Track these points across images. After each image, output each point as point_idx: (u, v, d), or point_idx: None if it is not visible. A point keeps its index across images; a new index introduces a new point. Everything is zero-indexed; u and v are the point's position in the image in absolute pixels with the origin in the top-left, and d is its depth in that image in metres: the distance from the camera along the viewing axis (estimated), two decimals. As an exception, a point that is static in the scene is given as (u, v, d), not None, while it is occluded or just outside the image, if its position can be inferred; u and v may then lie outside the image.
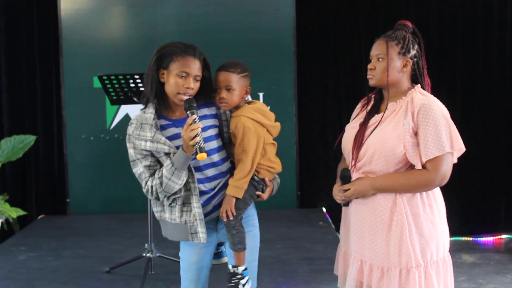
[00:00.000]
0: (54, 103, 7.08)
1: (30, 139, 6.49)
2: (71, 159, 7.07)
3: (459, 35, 6.86)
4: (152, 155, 2.92)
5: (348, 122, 3.18)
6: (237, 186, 2.96)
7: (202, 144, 2.75)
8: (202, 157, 2.74)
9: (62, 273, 5.03)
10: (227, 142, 3.09)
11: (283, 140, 6.92)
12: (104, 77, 4.76)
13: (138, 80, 4.72)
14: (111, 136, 6.95)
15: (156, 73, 2.91)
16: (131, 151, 2.93)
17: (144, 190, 2.94)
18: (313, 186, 7.22)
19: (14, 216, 6.12)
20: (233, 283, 3.01)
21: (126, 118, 6.94)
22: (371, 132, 2.88)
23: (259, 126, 3.04)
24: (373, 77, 2.92)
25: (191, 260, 3.12)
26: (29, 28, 7.01)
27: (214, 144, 2.98)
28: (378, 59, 2.90)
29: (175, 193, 2.93)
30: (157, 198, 2.94)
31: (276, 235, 6.00)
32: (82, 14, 6.97)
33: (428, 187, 2.80)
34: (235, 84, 3.02)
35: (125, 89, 4.81)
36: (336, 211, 6.96)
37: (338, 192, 2.94)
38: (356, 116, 3.10)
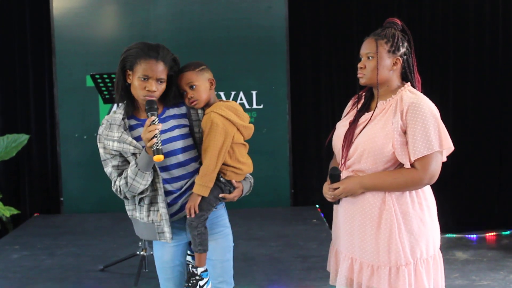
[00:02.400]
0: (47, 102, 7.08)
1: (23, 138, 6.48)
2: (65, 158, 7.06)
3: (451, 33, 6.89)
4: (121, 155, 2.95)
5: (340, 119, 3.19)
6: (202, 184, 2.93)
7: (159, 146, 2.76)
8: (158, 158, 2.75)
9: (56, 272, 5.02)
10: (199, 142, 3.05)
11: (276, 138, 7.03)
12: (97, 76, 4.76)
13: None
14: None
15: (122, 74, 2.93)
16: (101, 151, 2.98)
17: (114, 190, 2.98)
18: (307, 184, 7.23)
19: (7, 215, 6.13)
20: (191, 283, 3.02)
21: (120, 117, 6.93)
22: (361, 130, 2.88)
23: (229, 123, 3.00)
24: (364, 76, 2.92)
25: (163, 259, 3.15)
26: (21, 27, 6.99)
27: (179, 144, 2.97)
28: (368, 57, 2.90)
29: (142, 193, 2.95)
30: (126, 198, 3.00)
31: (269, 233, 6.01)
32: (74, 13, 6.96)
33: (416, 186, 2.80)
34: (195, 80, 3.01)
35: (118, 88, 4.81)
36: (329, 209, 6.96)
37: (327, 191, 2.94)
38: (347, 114, 3.10)
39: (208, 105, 3.07)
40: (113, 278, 4.84)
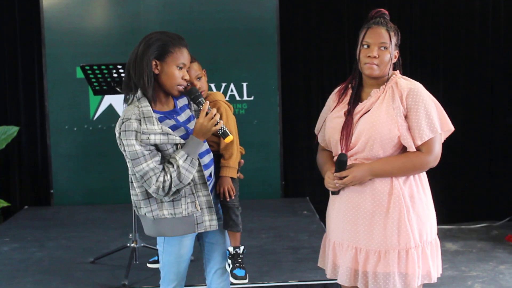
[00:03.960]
0: (37, 94, 7.04)
1: (13, 130, 6.46)
2: (55, 150, 7.03)
3: (442, 28, 6.90)
4: (157, 149, 2.86)
5: (324, 113, 3.18)
6: (231, 167, 3.10)
7: (225, 127, 2.88)
8: (230, 139, 2.88)
9: (46, 264, 5.01)
10: None
11: (267, 130, 7.03)
12: (87, 67, 4.73)
13: (121, 70, 4.70)
14: (94, 126, 6.92)
15: (150, 65, 2.86)
16: (137, 148, 2.78)
17: (155, 187, 2.81)
18: (297, 175, 7.24)
19: (-3, 207, 6.10)
20: (238, 263, 3.14)
21: (110, 109, 6.91)
22: (358, 119, 2.88)
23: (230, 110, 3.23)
24: (377, 67, 2.85)
25: (179, 253, 3.10)
26: (11, 18, 6.95)
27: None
28: (382, 48, 2.85)
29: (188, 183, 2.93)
30: (167, 194, 2.86)
31: (260, 225, 6.02)
32: (64, 4, 6.92)
33: (423, 169, 2.87)
34: (200, 71, 3.17)
35: (108, 79, 4.79)
36: (320, 201, 7.00)
37: (331, 180, 2.90)
38: (335, 107, 3.06)
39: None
40: (104, 270, 4.83)
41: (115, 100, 6.84)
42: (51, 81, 6.95)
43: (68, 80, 6.93)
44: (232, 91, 6.97)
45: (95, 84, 4.85)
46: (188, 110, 3.07)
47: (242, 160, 3.27)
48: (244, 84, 7.02)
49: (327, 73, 7.08)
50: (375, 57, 2.84)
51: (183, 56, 2.87)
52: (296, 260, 4.95)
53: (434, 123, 2.81)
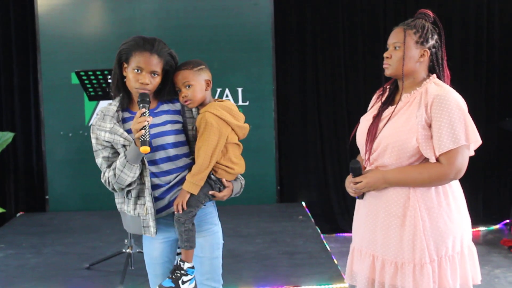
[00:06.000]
0: (32, 100, 7.03)
1: (8, 136, 6.45)
2: (50, 156, 7.02)
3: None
4: (112, 146, 2.98)
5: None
6: (193, 182, 2.94)
7: (147, 137, 2.78)
8: (144, 150, 2.78)
9: (42, 270, 5.00)
10: (192, 140, 3.07)
11: (262, 134, 7.03)
12: (82, 73, 4.74)
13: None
14: (90, 132, 6.89)
15: (119, 67, 2.98)
16: (93, 142, 3.03)
17: (103, 181, 3.01)
18: (293, 180, 7.24)
19: (-8, 213, 6.09)
20: (174, 276, 2.99)
21: (105, 114, 6.90)
22: (385, 124, 2.82)
23: (223, 123, 3.02)
24: (389, 66, 2.84)
25: (152, 255, 3.15)
26: (5, 24, 6.95)
27: (170, 139, 2.99)
28: (395, 47, 2.82)
29: (129, 185, 2.96)
30: (114, 190, 3.01)
31: (256, 230, 6.02)
32: (59, 10, 6.92)
33: (442, 181, 2.73)
34: (192, 79, 3.03)
35: (103, 85, 4.80)
36: (315, 206, 7.01)
37: (349, 184, 2.89)
38: (371, 108, 3.02)
39: (203, 104, 3.09)
40: (99, 276, 4.82)
41: (110, 106, 6.82)
42: (46, 87, 6.95)
43: (63, 86, 6.93)
44: (227, 96, 6.98)
45: (90, 89, 4.86)
46: (175, 115, 3.06)
47: (225, 180, 3.06)
48: (239, 89, 7.02)
49: (322, 78, 7.08)
50: (387, 57, 2.84)
51: (141, 60, 2.89)
52: (292, 265, 4.96)
53: (457, 133, 2.66)
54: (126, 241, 4.84)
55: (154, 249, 3.13)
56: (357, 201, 2.99)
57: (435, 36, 2.85)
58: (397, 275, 2.78)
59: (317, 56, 7.08)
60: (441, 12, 6.88)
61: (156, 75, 2.93)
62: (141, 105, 2.85)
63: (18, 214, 6.96)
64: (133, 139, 2.88)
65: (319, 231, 5.93)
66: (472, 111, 6.51)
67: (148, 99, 2.87)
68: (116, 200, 3.13)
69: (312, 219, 6.36)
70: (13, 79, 7.00)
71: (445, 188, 2.78)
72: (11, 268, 5.07)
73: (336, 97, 7.00)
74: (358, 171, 2.84)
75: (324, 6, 7.03)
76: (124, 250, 4.84)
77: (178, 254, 3.21)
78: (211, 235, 3.14)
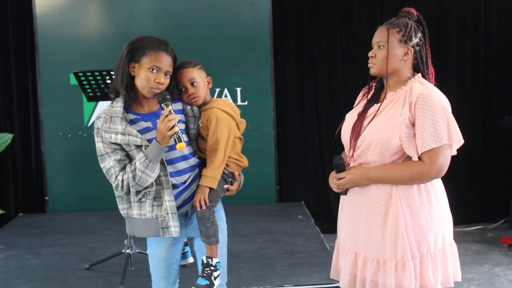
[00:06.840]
0: (31, 101, 7.03)
1: (7, 137, 6.43)
2: (49, 157, 7.02)
3: (433, 24, 6.90)
4: (122, 149, 2.93)
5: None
6: (211, 176, 3.00)
7: (180, 134, 2.80)
8: (181, 146, 2.79)
9: (41, 271, 5.00)
10: (193, 138, 3.10)
11: (261, 134, 7.03)
12: (80, 74, 4.74)
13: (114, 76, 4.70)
14: (88, 133, 6.91)
15: (127, 66, 2.94)
16: (99, 145, 2.95)
17: (114, 185, 2.95)
18: (292, 179, 7.23)
19: (-9, 215, 6.09)
20: (205, 273, 3.02)
21: (104, 115, 6.90)
22: (369, 122, 2.84)
23: (230, 118, 3.12)
24: (374, 65, 2.87)
25: (160, 257, 3.14)
26: (3, 25, 6.94)
27: (185, 137, 3.00)
28: (379, 46, 2.85)
29: (145, 187, 2.94)
30: (128, 193, 2.96)
31: (255, 229, 6.01)
32: (57, 11, 6.92)
33: (423, 179, 2.76)
34: (197, 77, 3.10)
35: (102, 86, 4.80)
36: (315, 205, 7.01)
37: (332, 180, 2.91)
38: (357, 105, 3.06)
39: (204, 103, 3.16)
40: (99, 276, 4.82)
41: (109, 107, 6.82)
42: (44, 87, 6.94)
43: (61, 86, 6.92)
44: (226, 96, 6.98)
45: (89, 90, 4.85)
46: (179, 115, 3.06)
47: (236, 173, 3.19)
48: (238, 89, 7.02)
49: (321, 77, 7.08)
50: (372, 56, 2.88)
51: (158, 59, 2.90)
52: (291, 264, 4.95)
53: (439, 132, 2.68)
54: (125, 241, 4.84)
55: (163, 250, 3.13)
56: (341, 197, 3.03)
57: (419, 34, 2.88)
58: (379, 272, 2.81)
59: (315, 55, 7.07)
60: (438, 11, 6.93)
61: (168, 76, 2.96)
62: (163, 104, 2.85)
63: (18, 215, 6.96)
64: (149, 139, 2.89)
65: (318, 230, 5.93)
66: (471, 110, 6.53)
67: (169, 97, 2.89)
68: (121, 206, 3.07)
69: (312, 219, 6.36)
70: (11, 80, 7.00)
71: (427, 186, 2.82)
72: (10, 269, 5.07)
73: (335, 95, 7.00)
74: (341, 167, 2.87)
75: (322, 6, 7.02)
76: (124, 251, 4.84)
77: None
78: (220, 232, 3.17)
